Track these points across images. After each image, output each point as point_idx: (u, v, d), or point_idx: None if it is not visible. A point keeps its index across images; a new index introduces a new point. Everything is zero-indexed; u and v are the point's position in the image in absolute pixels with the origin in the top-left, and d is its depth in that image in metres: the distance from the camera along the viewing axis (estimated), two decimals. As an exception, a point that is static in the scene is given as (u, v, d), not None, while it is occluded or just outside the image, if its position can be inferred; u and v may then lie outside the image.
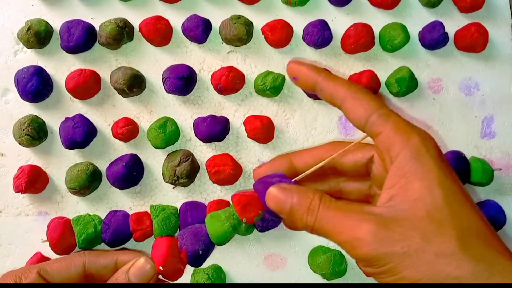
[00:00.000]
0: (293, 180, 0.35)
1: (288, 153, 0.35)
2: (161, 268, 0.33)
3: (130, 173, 0.44)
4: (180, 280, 0.44)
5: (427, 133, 0.29)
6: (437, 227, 0.26)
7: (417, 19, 0.50)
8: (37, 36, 0.44)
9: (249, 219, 0.34)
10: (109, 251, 0.37)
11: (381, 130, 0.28)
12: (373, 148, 0.32)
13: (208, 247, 0.34)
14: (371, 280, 0.46)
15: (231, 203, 0.35)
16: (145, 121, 0.46)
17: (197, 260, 0.34)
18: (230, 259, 0.46)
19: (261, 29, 0.48)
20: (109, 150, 0.46)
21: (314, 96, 0.47)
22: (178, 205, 0.45)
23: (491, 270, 0.25)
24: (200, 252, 0.33)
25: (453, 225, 0.26)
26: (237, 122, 0.47)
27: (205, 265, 0.44)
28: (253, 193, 0.34)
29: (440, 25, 0.48)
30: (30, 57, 0.46)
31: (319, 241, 0.46)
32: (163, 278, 0.35)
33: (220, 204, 0.45)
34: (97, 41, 0.46)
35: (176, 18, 0.47)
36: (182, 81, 0.45)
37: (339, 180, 0.35)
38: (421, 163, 0.27)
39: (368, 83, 0.46)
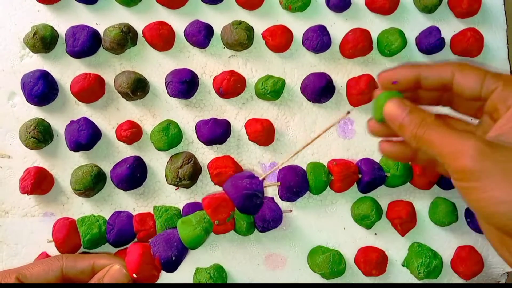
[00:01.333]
0: (261, 178, 0.35)
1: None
2: (134, 275, 0.33)
3: (133, 175, 0.44)
4: (182, 280, 0.45)
5: None
6: None
7: (414, 24, 0.51)
8: (43, 41, 0.45)
9: (221, 220, 0.34)
10: (87, 255, 0.37)
11: (496, 86, 0.31)
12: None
13: (181, 252, 0.34)
14: (368, 280, 0.47)
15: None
16: (148, 124, 0.47)
17: (171, 266, 0.34)
18: (231, 258, 0.46)
19: (261, 34, 0.49)
20: (113, 153, 0.46)
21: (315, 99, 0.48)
22: (180, 206, 0.46)
23: None
24: (173, 258, 0.33)
25: None
26: (238, 125, 0.48)
27: (207, 264, 0.45)
28: (223, 194, 0.34)
29: (437, 30, 0.49)
30: (36, 62, 0.47)
31: (318, 241, 0.47)
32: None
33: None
34: (101, 46, 0.47)
35: (179, 24, 0.48)
36: (184, 85, 0.45)
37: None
38: None
39: (366, 87, 0.47)
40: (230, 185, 0.35)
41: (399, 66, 0.35)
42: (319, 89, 0.47)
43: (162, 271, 0.35)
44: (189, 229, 0.34)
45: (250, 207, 0.36)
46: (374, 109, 0.35)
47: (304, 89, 0.48)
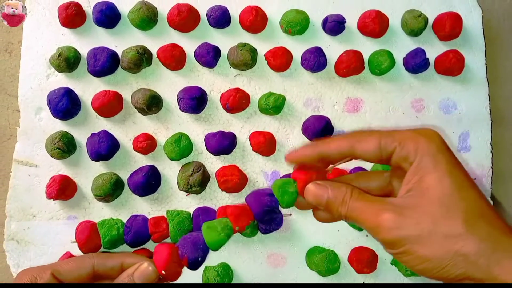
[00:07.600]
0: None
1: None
2: (163, 272, 0.35)
3: (148, 182, 0.47)
4: (192, 277, 0.48)
5: (432, 131, 0.32)
6: (446, 211, 0.29)
7: (401, 46, 0.54)
8: (67, 61, 0.48)
9: (241, 227, 0.37)
10: (116, 254, 0.38)
11: (393, 146, 0.31)
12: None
13: (206, 253, 0.37)
14: (360, 277, 0.50)
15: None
16: (162, 136, 0.50)
17: (196, 265, 0.36)
18: (237, 257, 0.49)
19: (264, 55, 0.52)
20: (130, 162, 0.49)
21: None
22: (191, 210, 0.48)
23: (495, 246, 0.28)
24: (200, 259, 0.36)
25: (460, 208, 0.29)
26: (243, 137, 0.51)
27: (215, 263, 0.49)
28: (245, 205, 0.38)
29: (422, 51, 0.52)
30: (60, 80, 0.50)
31: (315, 242, 0.50)
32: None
33: (226, 209, 0.47)
34: (119, 66, 0.50)
35: (189, 46, 0.51)
36: (194, 101, 0.48)
37: (362, 181, 0.37)
38: (432, 159, 0.30)
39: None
40: (253, 200, 0.37)
41: (302, 147, 0.35)
42: (319, 130, 0.49)
43: (184, 268, 0.37)
44: (214, 234, 0.36)
45: (269, 220, 0.39)
46: (279, 197, 0.37)
47: (305, 131, 0.51)
